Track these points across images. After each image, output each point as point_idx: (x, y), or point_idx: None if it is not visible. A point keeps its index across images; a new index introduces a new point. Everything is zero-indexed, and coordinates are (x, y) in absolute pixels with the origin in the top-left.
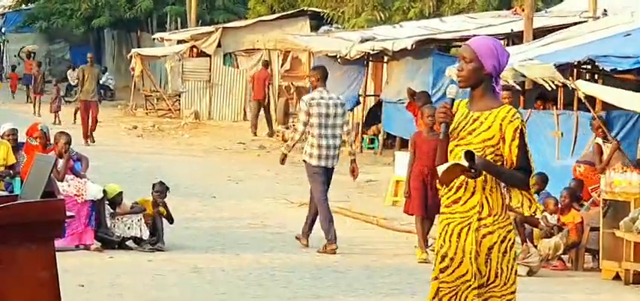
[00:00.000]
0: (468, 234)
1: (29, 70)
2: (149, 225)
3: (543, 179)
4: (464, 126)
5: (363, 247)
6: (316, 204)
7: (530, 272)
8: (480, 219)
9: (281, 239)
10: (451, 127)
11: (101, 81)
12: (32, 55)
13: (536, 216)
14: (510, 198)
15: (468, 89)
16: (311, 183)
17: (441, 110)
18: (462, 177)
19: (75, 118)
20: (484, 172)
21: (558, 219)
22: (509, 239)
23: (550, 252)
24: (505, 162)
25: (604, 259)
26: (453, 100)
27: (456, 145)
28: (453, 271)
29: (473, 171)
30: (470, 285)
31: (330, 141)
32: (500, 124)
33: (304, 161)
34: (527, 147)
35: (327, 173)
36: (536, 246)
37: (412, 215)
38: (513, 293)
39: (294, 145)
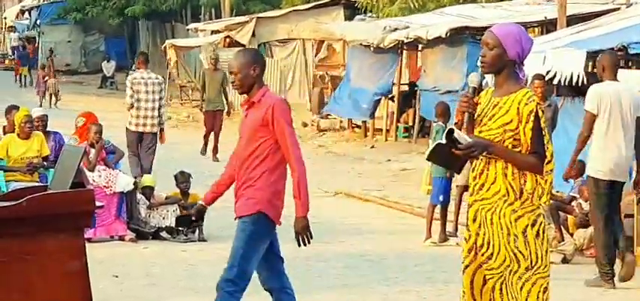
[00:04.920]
0: (497, 221)
1: (32, 54)
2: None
3: (582, 166)
4: (486, 112)
5: (398, 236)
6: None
7: (565, 260)
8: (509, 205)
9: (315, 229)
10: (477, 114)
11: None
12: (33, 40)
13: (571, 204)
14: (525, 182)
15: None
16: (128, 144)
17: (462, 100)
18: (483, 163)
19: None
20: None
21: None
22: (541, 223)
23: (585, 242)
24: (522, 147)
25: (638, 246)
26: (474, 89)
27: (479, 132)
28: (495, 258)
29: (462, 150)
30: (511, 269)
31: (148, 112)
32: (518, 108)
33: (126, 128)
34: (544, 131)
35: (143, 138)
36: (571, 234)
37: None
38: (549, 276)
39: (129, 111)
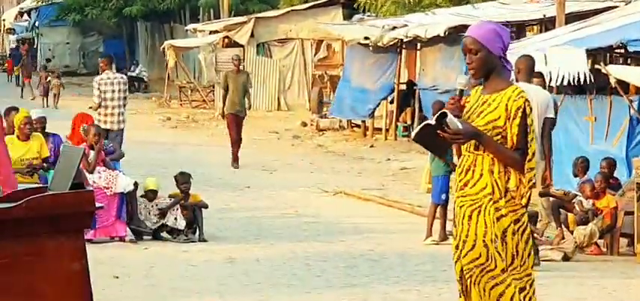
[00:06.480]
0: (479, 218)
1: (25, 53)
2: (186, 216)
3: (585, 166)
4: (475, 109)
5: (398, 235)
6: None
7: (565, 258)
8: (494, 202)
9: (315, 229)
10: (465, 112)
11: (136, 73)
12: (27, 41)
13: (572, 201)
14: (508, 180)
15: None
16: None
17: (450, 102)
18: (470, 159)
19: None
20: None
21: (593, 204)
22: (523, 222)
23: (585, 240)
24: (507, 143)
25: (639, 243)
26: (462, 91)
27: None
28: (466, 254)
29: (449, 134)
30: (484, 268)
31: (115, 110)
32: (506, 104)
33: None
34: (529, 128)
35: (109, 135)
36: (571, 232)
37: None
38: (530, 275)
39: (97, 110)
